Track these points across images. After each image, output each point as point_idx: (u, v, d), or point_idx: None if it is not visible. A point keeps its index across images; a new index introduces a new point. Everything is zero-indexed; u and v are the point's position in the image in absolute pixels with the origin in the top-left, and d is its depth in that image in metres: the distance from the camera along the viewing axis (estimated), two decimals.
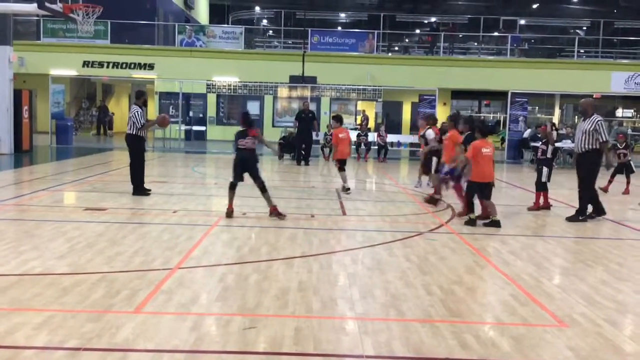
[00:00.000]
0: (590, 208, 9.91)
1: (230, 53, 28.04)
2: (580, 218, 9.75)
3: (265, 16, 43.09)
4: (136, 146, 11.13)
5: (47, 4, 12.72)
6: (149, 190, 11.10)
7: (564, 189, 13.59)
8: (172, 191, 11.71)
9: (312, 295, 5.44)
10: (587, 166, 9.69)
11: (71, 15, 13.57)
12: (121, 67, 27.63)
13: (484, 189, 9.10)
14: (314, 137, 19.43)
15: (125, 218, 8.87)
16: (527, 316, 5.12)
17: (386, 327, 4.73)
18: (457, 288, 5.85)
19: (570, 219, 9.75)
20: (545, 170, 10.80)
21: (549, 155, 10.95)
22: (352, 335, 4.55)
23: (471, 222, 9.04)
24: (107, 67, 27.56)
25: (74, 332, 4.36)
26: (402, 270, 6.40)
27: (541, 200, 10.88)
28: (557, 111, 32.31)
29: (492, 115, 34.68)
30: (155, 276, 5.86)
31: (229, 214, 9.04)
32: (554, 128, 12.15)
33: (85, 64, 27.44)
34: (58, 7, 13.10)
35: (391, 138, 23.33)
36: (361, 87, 25.88)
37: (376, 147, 21.44)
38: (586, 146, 9.58)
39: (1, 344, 4.14)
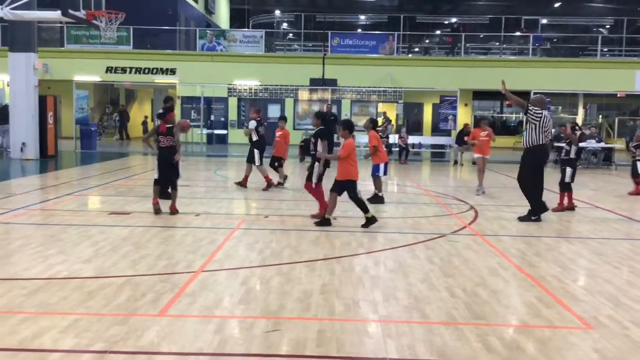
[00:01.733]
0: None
1: (250, 57, 28.18)
2: (532, 218, 9.54)
3: (286, 19, 43.23)
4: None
5: (70, 12, 12.91)
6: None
7: (588, 189, 13.43)
8: (194, 194, 11.80)
9: (335, 298, 5.44)
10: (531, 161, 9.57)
11: (94, 22, 13.76)
12: (143, 73, 27.93)
13: (354, 187, 8.87)
14: (335, 140, 19.42)
15: (149, 222, 8.95)
16: (553, 318, 5.06)
17: (409, 330, 4.71)
18: (481, 290, 5.81)
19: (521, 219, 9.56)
20: (569, 170, 10.70)
21: (572, 155, 10.84)
22: (376, 337, 4.54)
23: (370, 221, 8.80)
24: (130, 72, 27.87)
25: (99, 335, 4.42)
26: (424, 273, 6.38)
27: (565, 201, 10.76)
28: (580, 111, 31.92)
29: (514, 115, 34.37)
30: (179, 279, 5.91)
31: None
32: (576, 128, 11.95)
33: (109, 69, 27.79)
34: (81, 14, 13.29)
35: (412, 139, 23.24)
36: (382, 89, 25.82)
37: (397, 149, 21.37)
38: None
39: (28, 347, 4.21)
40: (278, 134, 13.02)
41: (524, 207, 9.89)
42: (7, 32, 19.83)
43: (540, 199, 9.57)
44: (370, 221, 8.76)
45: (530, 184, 9.53)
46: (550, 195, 12.38)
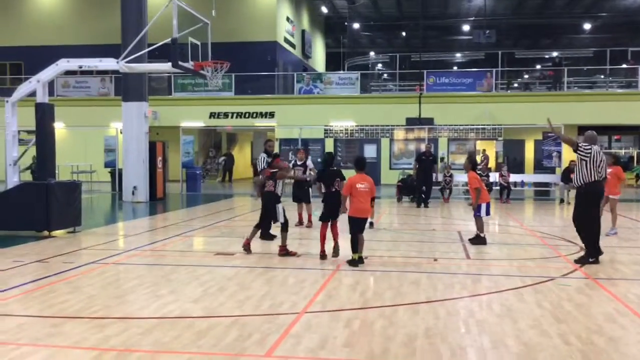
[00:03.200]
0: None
1: (346, 98, 28.62)
2: (590, 260, 8.88)
3: (380, 61, 43.73)
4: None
5: (180, 63, 13.71)
6: (275, 235, 11.42)
7: None
8: (293, 235, 11.98)
9: (441, 343, 5.32)
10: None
11: (201, 72, 14.52)
12: (244, 117, 29.03)
13: (360, 224, 8.73)
14: (434, 179, 19.23)
15: (252, 262, 9.17)
16: None
17: None
18: (597, 338, 5.49)
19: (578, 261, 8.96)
20: None
21: None
22: None
23: (354, 262, 8.69)
24: (231, 117, 29.06)
25: None
26: (534, 318, 6.11)
27: None
28: None
29: (623, 150, 32.67)
30: (284, 320, 5.99)
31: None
32: None
33: (212, 115, 29.11)
34: (190, 65, 14.06)
35: (514, 178, 22.57)
36: (480, 126, 25.38)
37: (498, 188, 20.80)
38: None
39: None
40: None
41: (639, 247, 9.31)
42: (121, 83, 21.29)
43: (596, 241, 8.95)
44: (355, 261, 8.71)
45: (586, 225, 8.96)
46: None
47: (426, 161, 18.68)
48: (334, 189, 9.39)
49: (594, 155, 8.81)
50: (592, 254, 8.93)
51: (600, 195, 9.12)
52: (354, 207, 8.81)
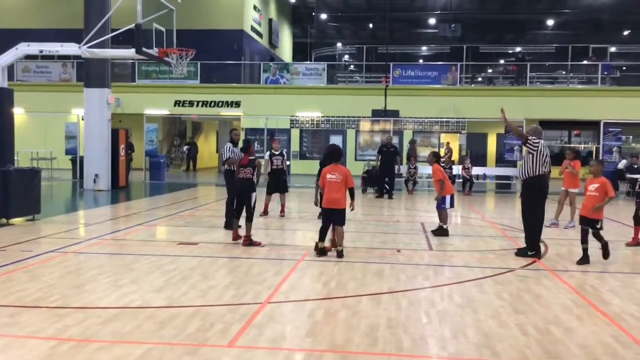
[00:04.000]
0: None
1: (313, 89, 28.58)
2: (529, 253, 9.02)
3: (347, 52, 43.77)
4: (232, 181, 11.48)
5: (144, 50, 13.49)
6: (240, 226, 11.35)
7: None
8: (258, 225, 11.96)
9: (402, 333, 5.38)
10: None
11: (166, 59, 14.31)
12: (209, 106, 28.73)
13: (334, 215, 8.71)
14: (397, 171, 19.38)
15: (216, 252, 9.13)
16: (630, 359, 4.85)
17: None
18: (554, 328, 5.62)
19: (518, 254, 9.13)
20: None
21: None
22: None
23: (316, 249, 8.85)
24: (197, 105, 28.74)
25: None
26: (494, 309, 6.23)
27: None
28: None
29: (583, 145, 33.41)
30: (247, 310, 5.98)
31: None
32: None
33: (177, 103, 28.74)
34: (154, 51, 13.86)
35: (477, 170, 22.90)
36: (444, 119, 25.64)
37: (461, 180, 21.09)
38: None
39: None
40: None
41: (596, 240, 9.53)
42: (83, 68, 20.85)
43: (538, 236, 9.06)
44: (317, 247, 8.84)
45: (528, 218, 9.08)
46: (625, 229, 11.93)
47: (387, 153, 18.80)
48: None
49: (541, 149, 8.98)
50: (532, 247, 9.03)
51: (545, 189, 9.19)
52: (324, 198, 8.83)
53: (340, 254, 8.69)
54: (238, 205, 9.80)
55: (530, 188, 9.08)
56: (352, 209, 9.04)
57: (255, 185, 9.69)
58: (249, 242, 9.50)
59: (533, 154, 8.98)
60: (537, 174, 8.95)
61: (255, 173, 9.70)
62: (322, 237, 8.84)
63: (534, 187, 9.01)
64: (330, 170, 8.78)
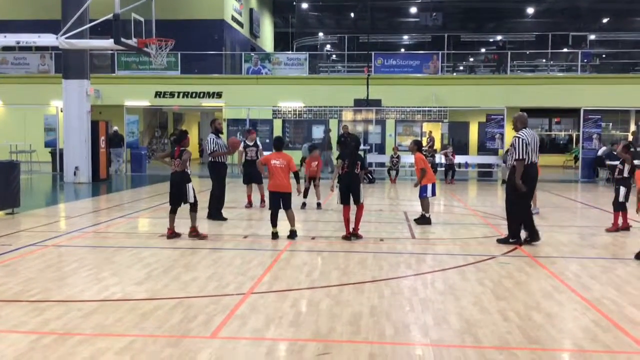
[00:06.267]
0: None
1: (295, 79, 28.49)
2: (510, 241, 9.07)
3: (329, 42, 43.62)
4: (216, 173, 11.45)
5: (123, 40, 13.34)
6: (226, 218, 11.31)
7: None
8: (241, 216, 11.94)
9: (385, 321, 5.40)
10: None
11: (145, 49, 14.16)
12: (191, 97, 28.53)
13: (281, 198, 9.29)
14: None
15: (198, 244, 9.08)
16: (610, 343, 4.91)
17: (462, 355, 4.63)
18: (535, 314, 5.68)
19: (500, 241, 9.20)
20: (622, 189, 10.41)
21: (626, 174, 10.56)
22: None
23: (273, 235, 9.37)
24: (178, 96, 28.52)
25: (154, 357, 4.49)
26: (476, 295, 6.27)
27: (620, 221, 10.46)
28: (632, 127, 31.07)
29: (563, 133, 33.71)
30: (230, 301, 5.96)
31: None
32: (630, 146, 11.50)
33: (157, 94, 28.48)
34: (133, 42, 13.71)
35: (459, 159, 23.01)
36: (426, 108, 25.70)
37: (443, 169, 21.17)
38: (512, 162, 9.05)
39: None
40: (314, 163, 13.25)
41: (577, 227, 9.65)
42: (61, 60, 20.56)
43: (525, 222, 9.03)
44: (274, 234, 9.36)
45: (513, 206, 9.05)
46: (605, 215, 12.07)
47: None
48: (346, 170, 9.49)
49: (527, 139, 8.97)
50: (514, 234, 9.04)
51: (534, 178, 9.21)
52: (271, 182, 9.33)
53: (293, 235, 9.35)
54: (173, 198, 9.43)
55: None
56: (299, 194, 10.29)
57: (189, 176, 9.45)
58: (195, 233, 9.39)
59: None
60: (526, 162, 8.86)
61: (187, 165, 9.37)
62: (273, 222, 9.34)
63: (525, 175, 8.92)
64: (275, 157, 9.40)
